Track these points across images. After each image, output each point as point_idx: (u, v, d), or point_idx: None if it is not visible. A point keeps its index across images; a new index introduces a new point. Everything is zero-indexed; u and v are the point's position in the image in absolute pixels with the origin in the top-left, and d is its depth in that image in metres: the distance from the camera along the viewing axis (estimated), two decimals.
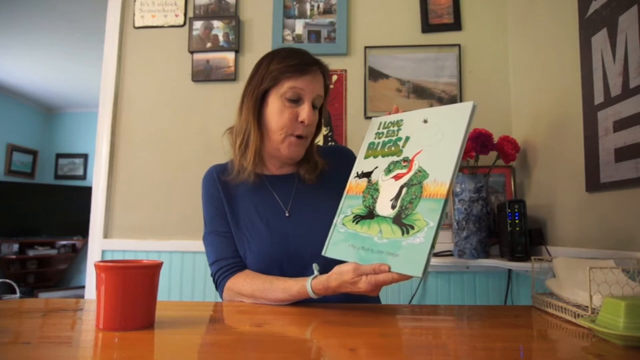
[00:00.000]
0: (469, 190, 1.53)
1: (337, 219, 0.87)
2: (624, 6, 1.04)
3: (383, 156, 0.88)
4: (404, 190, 0.79)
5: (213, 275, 1.00)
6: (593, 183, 1.17)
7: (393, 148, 0.87)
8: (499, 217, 1.54)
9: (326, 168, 1.07)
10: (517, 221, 1.41)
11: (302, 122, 0.96)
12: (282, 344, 0.61)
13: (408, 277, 0.72)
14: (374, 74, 1.86)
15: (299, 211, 1.02)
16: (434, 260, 1.59)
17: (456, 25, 1.86)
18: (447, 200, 0.73)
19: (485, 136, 1.54)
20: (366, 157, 0.92)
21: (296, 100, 0.97)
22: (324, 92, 1.03)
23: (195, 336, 0.65)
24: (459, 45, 1.85)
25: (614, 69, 1.08)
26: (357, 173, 0.91)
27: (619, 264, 0.80)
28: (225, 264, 0.99)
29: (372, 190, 0.85)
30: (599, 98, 1.14)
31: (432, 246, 0.70)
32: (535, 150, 1.59)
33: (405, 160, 0.83)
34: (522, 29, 1.73)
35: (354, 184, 0.90)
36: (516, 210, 1.42)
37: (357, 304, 0.89)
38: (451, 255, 1.62)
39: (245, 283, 0.93)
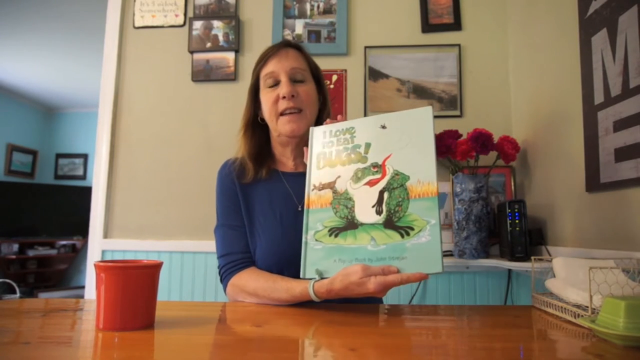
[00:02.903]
0: (469, 190, 1.53)
1: (307, 237, 0.84)
2: (624, 6, 1.04)
3: (343, 165, 0.86)
4: (386, 194, 0.79)
5: (220, 268, 1.01)
6: (593, 183, 1.17)
7: (353, 155, 0.85)
8: (499, 217, 1.54)
9: None
10: (517, 221, 1.41)
11: (283, 97, 0.99)
12: (283, 344, 0.61)
13: (418, 278, 0.71)
14: (374, 74, 1.87)
15: None
16: None
17: (456, 25, 1.86)
18: (438, 197, 0.75)
19: (485, 136, 1.54)
20: (320, 168, 0.89)
21: (275, 84, 1.02)
22: (305, 64, 1.05)
23: (195, 336, 0.65)
24: (459, 45, 1.85)
25: (614, 69, 1.08)
26: (315, 186, 0.88)
27: (619, 264, 0.80)
28: (233, 259, 0.99)
29: (344, 200, 0.83)
30: (599, 98, 1.14)
31: (441, 242, 0.72)
32: (535, 150, 1.59)
33: (375, 165, 0.82)
34: (522, 29, 1.73)
35: (315, 197, 0.87)
36: (516, 210, 1.42)
37: (357, 304, 0.89)
38: (451, 255, 1.62)
39: (250, 280, 0.93)
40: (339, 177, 0.86)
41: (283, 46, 1.05)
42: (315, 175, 0.89)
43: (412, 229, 0.74)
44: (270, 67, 1.02)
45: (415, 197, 0.76)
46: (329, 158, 0.89)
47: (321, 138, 0.93)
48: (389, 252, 0.75)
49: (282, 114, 1.00)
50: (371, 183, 0.81)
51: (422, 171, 0.77)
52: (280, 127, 1.01)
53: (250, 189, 1.05)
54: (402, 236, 0.74)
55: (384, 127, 0.84)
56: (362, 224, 0.79)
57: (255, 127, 1.08)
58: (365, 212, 0.80)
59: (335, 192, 0.85)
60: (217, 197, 1.08)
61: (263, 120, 1.07)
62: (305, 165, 1.06)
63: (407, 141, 0.81)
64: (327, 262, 0.80)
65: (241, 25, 1.94)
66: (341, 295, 0.79)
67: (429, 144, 0.78)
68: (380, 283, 0.73)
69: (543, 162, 1.53)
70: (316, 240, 0.83)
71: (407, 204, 0.76)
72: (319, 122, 1.07)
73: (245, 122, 1.08)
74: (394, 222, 0.76)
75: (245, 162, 1.06)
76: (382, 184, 0.80)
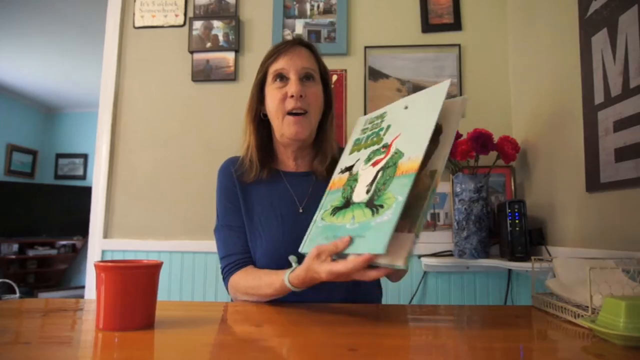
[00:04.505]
0: (469, 190, 1.53)
1: (317, 215, 0.85)
2: (624, 6, 1.04)
3: (365, 148, 0.86)
4: (380, 173, 0.76)
5: (222, 270, 1.02)
6: (593, 183, 1.17)
7: (375, 138, 0.85)
8: (499, 217, 1.54)
9: None
10: (517, 221, 1.41)
11: (291, 96, 0.97)
12: (283, 344, 0.61)
13: (364, 260, 0.66)
14: (374, 74, 1.87)
15: (314, 208, 1.02)
16: (435, 260, 1.59)
17: (456, 25, 1.86)
18: (419, 173, 0.68)
19: (485, 136, 1.54)
20: (351, 153, 0.90)
21: (283, 79, 1.00)
22: (315, 65, 1.03)
23: (195, 336, 0.65)
24: (459, 45, 1.85)
25: (614, 69, 1.08)
26: (341, 169, 0.89)
27: (619, 264, 0.80)
28: (232, 260, 1.00)
29: (352, 181, 0.83)
30: (599, 98, 1.14)
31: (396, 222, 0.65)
32: (535, 150, 1.59)
33: (385, 146, 0.80)
34: (522, 29, 1.73)
35: (337, 180, 0.87)
36: (516, 210, 1.42)
37: (357, 304, 0.89)
38: (451, 255, 1.62)
39: (241, 280, 0.94)
40: (358, 159, 0.86)
41: (296, 44, 1.03)
42: (343, 160, 0.90)
43: (382, 206, 0.70)
44: (281, 63, 1.00)
45: (399, 174, 0.71)
46: (359, 143, 0.89)
47: (361, 125, 0.93)
48: (359, 230, 0.71)
49: (288, 113, 0.99)
50: (375, 163, 0.80)
51: (415, 148, 0.71)
52: (284, 128, 0.99)
53: (251, 189, 1.04)
54: (373, 214, 0.71)
55: (406, 107, 0.82)
56: (353, 203, 0.78)
57: (259, 122, 1.07)
58: (360, 191, 0.79)
59: (350, 174, 0.85)
60: (217, 197, 1.08)
61: (265, 116, 1.06)
62: (306, 166, 1.07)
63: (416, 119, 0.77)
64: (320, 238, 0.79)
65: (241, 25, 1.94)
66: (312, 282, 0.78)
67: (430, 119, 0.72)
68: (330, 272, 0.70)
69: (543, 162, 1.53)
70: (322, 219, 0.83)
71: (391, 182, 0.72)
72: (322, 124, 1.06)
73: (252, 117, 1.06)
74: (374, 201, 0.73)
75: (251, 159, 1.04)
76: (382, 163, 0.78)
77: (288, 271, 0.83)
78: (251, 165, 1.04)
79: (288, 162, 1.08)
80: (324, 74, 1.07)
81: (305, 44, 1.04)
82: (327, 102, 1.07)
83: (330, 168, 1.00)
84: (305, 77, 1.00)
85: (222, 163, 1.11)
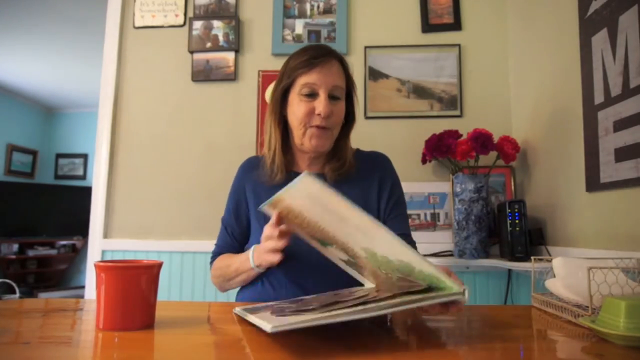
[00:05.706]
0: (469, 190, 1.53)
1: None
2: (624, 6, 1.04)
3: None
4: None
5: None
6: (593, 183, 1.17)
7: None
8: (499, 217, 1.54)
9: (353, 171, 1.05)
10: (517, 221, 1.41)
11: (318, 114, 0.97)
12: (283, 344, 0.61)
13: None
14: (374, 74, 1.86)
15: None
16: (435, 260, 1.59)
17: (456, 25, 1.86)
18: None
19: (485, 136, 1.54)
20: None
21: (312, 94, 0.98)
22: (344, 80, 1.02)
23: (195, 336, 0.65)
24: (459, 45, 1.85)
25: (614, 69, 1.08)
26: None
27: (619, 264, 0.80)
28: (218, 249, 1.11)
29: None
30: (599, 98, 1.14)
31: None
32: (535, 150, 1.59)
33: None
34: (522, 29, 1.73)
35: None
36: (516, 210, 1.42)
37: None
38: (451, 255, 1.62)
39: (218, 261, 1.07)
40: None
41: (329, 57, 1.01)
42: None
43: None
44: (313, 77, 0.98)
45: None
46: None
47: None
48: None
49: (311, 126, 0.99)
50: None
51: None
52: (305, 139, 1.00)
53: (264, 188, 1.05)
54: None
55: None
56: None
57: (280, 125, 1.07)
58: None
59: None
60: (229, 192, 1.13)
61: (285, 117, 1.06)
62: (319, 166, 1.07)
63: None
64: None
65: (241, 25, 1.94)
66: (265, 257, 0.87)
67: None
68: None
69: (543, 162, 1.53)
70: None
71: None
72: (341, 133, 1.06)
73: (276, 121, 1.04)
74: None
75: (276, 163, 1.04)
76: None
77: (251, 249, 0.94)
78: (274, 169, 1.04)
79: (302, 164, 1.08)
80: (349, 87, 1.06)
81: (337, 57, 1.03)
82: (349, 113, 1.06)
83: (343, 171, 1.04)
84: (333, 95, 0.99)
85: (243, 160, 1.14)
